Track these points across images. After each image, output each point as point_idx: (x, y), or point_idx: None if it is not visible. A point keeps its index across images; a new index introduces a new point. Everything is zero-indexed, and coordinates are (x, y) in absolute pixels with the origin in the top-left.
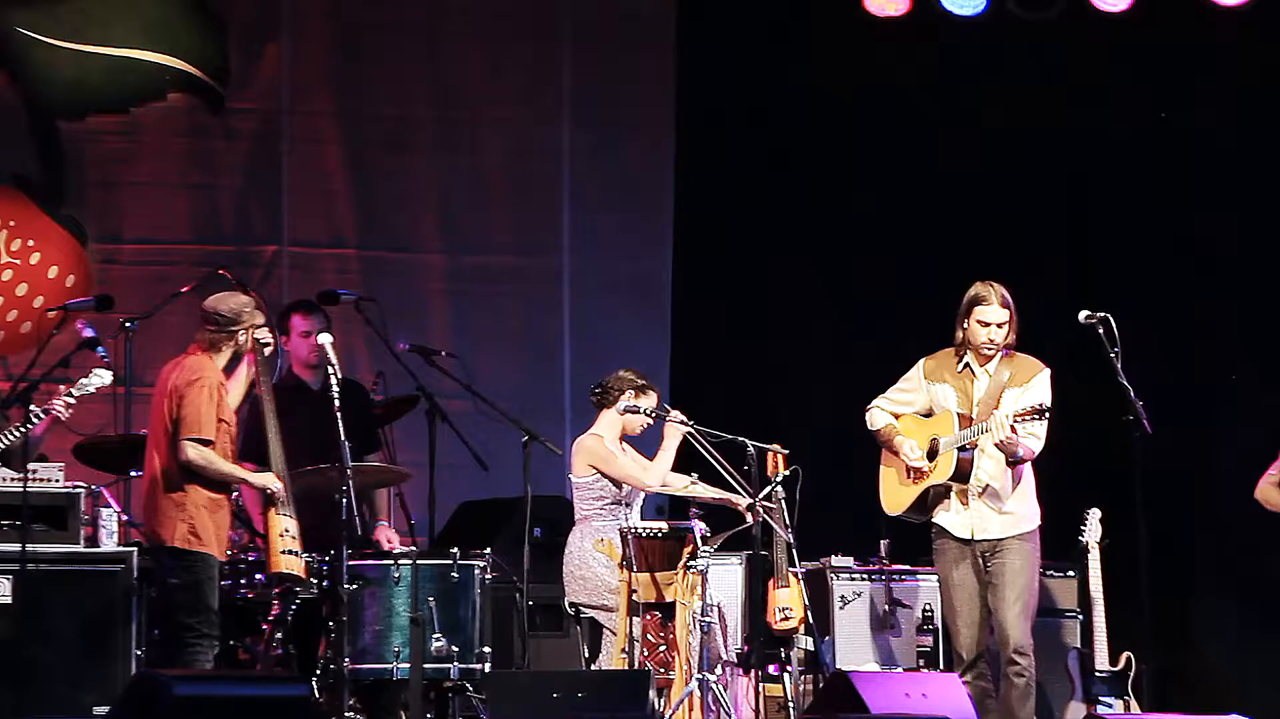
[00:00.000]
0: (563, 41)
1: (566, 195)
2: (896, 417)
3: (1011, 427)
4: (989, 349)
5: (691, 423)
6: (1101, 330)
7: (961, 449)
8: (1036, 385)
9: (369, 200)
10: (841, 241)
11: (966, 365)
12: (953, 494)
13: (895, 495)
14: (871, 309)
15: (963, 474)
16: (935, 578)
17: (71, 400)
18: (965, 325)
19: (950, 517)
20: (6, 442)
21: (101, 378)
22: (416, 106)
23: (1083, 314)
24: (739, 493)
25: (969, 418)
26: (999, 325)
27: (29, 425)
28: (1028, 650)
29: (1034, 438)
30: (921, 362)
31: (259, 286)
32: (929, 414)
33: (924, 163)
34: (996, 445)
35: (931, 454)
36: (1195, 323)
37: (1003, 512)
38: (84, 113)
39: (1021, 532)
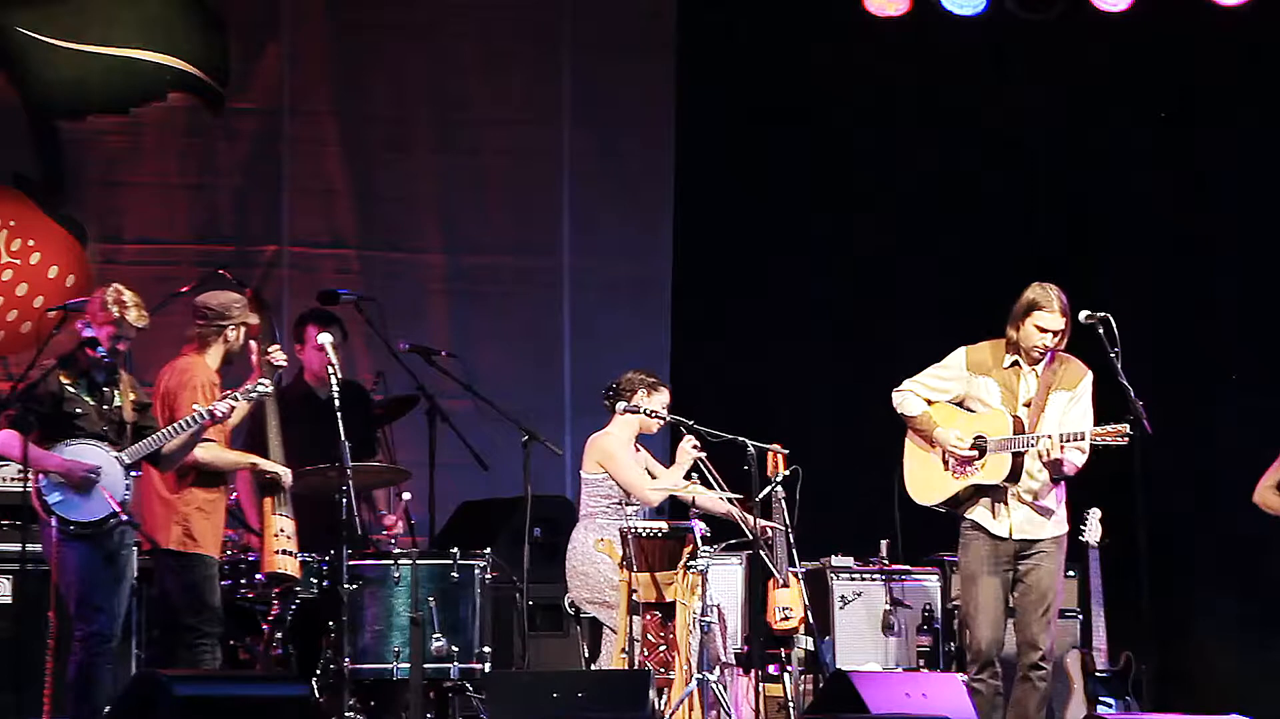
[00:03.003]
0: (563, 41)
1: (566, 195)
2: (929, 403)
3: (1061, 446)
4: (1040, 353)
5: (705, 456)
6: (1101, 330)
7: (1015, 452)
8: (1083, 391)
9: (369, 200)
10: (841, 241)
11: (1015, 363)
12: (999, 492)
13: (931, 485)
14: (871, 309)
15: (1015, 475)
16: (935, 578)
17: (235, 404)
18: (1020, 327)
19: (988, 514)
20: (167, 438)
21: (266, 388)
22: (416, 106)
23: (1083, 314)
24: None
25: (1022, 423)
26: (1055, 333)
27: (189, 424)
28: (1050, 656)
29: (1078, 452)
30: (964, 351)
31: (258, 286)
32: (960, 403)
33: (924, 163)
34: (1045, 465)
35: (977, 451)
36: (1195, 323)
37: (1043, 512)
38: (84, 113)
39: (1057, 534)
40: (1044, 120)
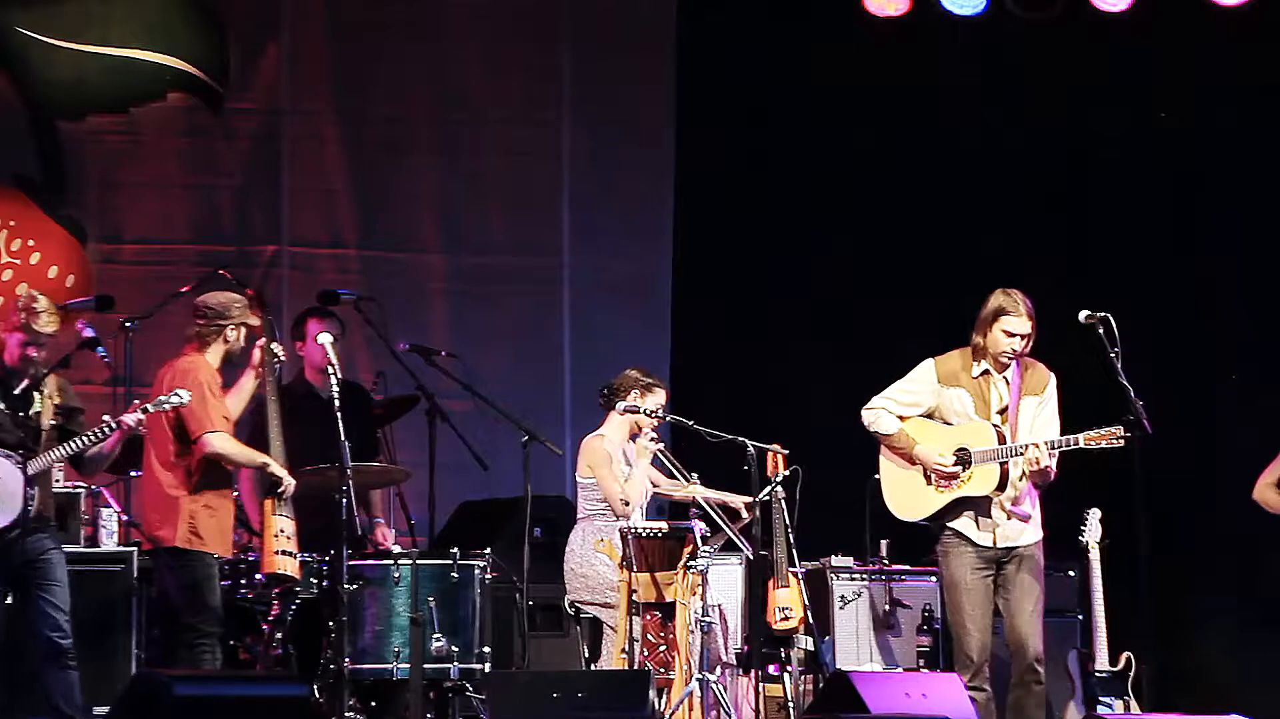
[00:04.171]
0: (562, 42)
1: (566, 195)
2: (901, 418)
3: (1050, 453)
4: (1008, 358)
5: (663, 447)
6: (1101, 330)
7: (1001, 462)
8: (1049, 394)
9: (369, 200)
10: (841, 242)
11: (985, 371)
12: (981, 502)
13: (914, 501)
14: (871, 309)
15: (1003, 484)
16: (934, 578)
17: (143, 416)
18: (987, 333)
19: (972, 524)
20: (76, 448)
21: (181, 398)
22: (416, 106)
23: (1083, 314)
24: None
25: (1003, 433)
26: (1023, 336)
27: (101, 434)
28: (1043, 659)
29: (1053, 458)
30: (931, 364)
31: (259, 286)
32: (928, 415)
33: (924, 162)
34: (1032, 473)
35: (961, 464)
36: (1195, 323)
37: (1022, 518)
38: (84, 113)
39: (1037, 538)
40: (1044, 120)
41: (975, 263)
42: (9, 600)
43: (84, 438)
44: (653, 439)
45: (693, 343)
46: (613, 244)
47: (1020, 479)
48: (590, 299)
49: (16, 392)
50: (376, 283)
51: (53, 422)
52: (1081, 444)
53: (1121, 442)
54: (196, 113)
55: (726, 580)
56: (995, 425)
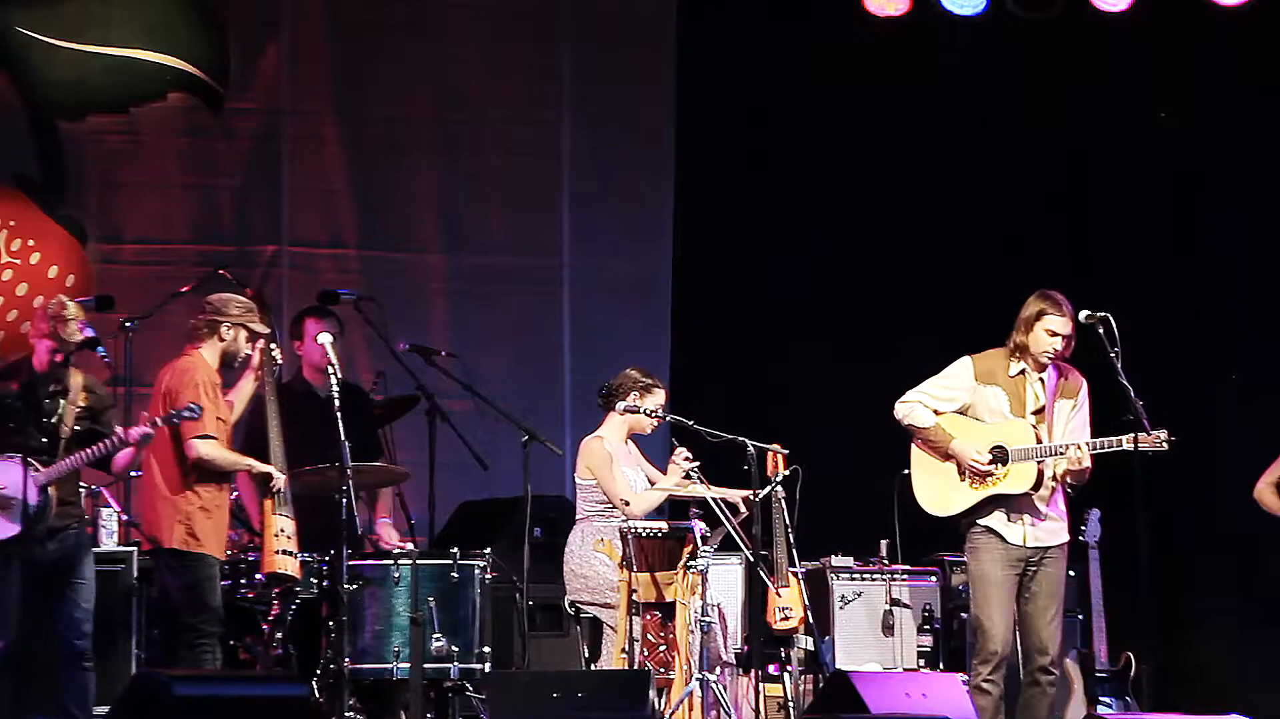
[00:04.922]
0: (562, 42)
1: (566, 195)
2: (936, 413)
3: (1091, 455)
4: (1048, 358)
5: (697, 467)
6: (1101, 330)
7: (1038, 461)
8: (1083, 399)
9: (369, 200)
10: (841, 242)
11: (1022, 370)
12: (1014, 500)
13: (947, 496)
14: (871, 309)
15: (1039, 483)
16: (934, 578)
17: (151, 430)
18: (1029, 333)
19: (1004, 521)
20: (86, 459)
21: (194, 411)
22: (416, 106)
23: (1083, 314)
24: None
25: (1039, 434)
26: (1065, 337)
27: (110, 447)
28: (1059, 661)
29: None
30: (969, 361)
31: (259, 286)
32: (962, 413)
33: (924, 163)
34: (1069, 473)
35: (997, 462)
36: (1195, 323)
37: (1053, 519)
38: (84, 113)
39: (1064, 540)
40: (1044, 120)
41: (975, 263)
42: (29, 599)
43: (94, 449)
44: (686, 459)
45: (693, 343)
46: (613, 244)
47: (1053, 479)
48: (590, 299)
49: (43, 398)
50: (376, 283)
51: (76, 428)
52: (1124, 445)
53: (1166, 445)
54: (196, 113)
55: (726, 580)
56: (1032, 425)
